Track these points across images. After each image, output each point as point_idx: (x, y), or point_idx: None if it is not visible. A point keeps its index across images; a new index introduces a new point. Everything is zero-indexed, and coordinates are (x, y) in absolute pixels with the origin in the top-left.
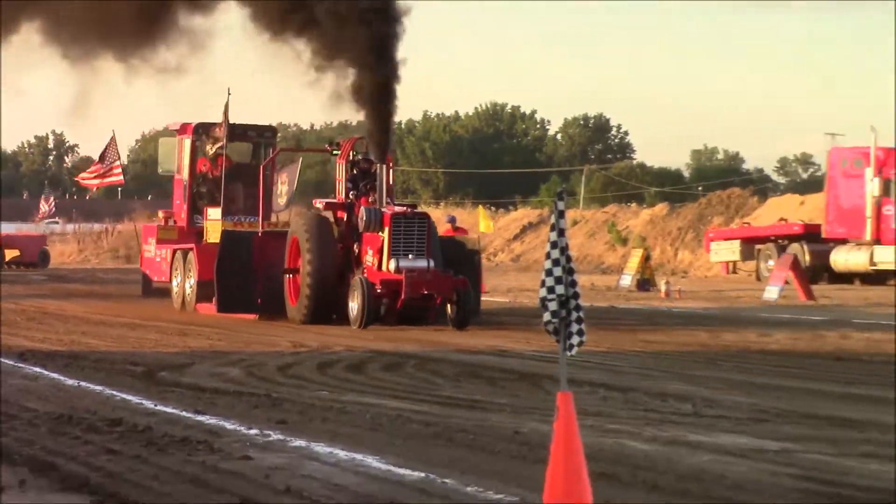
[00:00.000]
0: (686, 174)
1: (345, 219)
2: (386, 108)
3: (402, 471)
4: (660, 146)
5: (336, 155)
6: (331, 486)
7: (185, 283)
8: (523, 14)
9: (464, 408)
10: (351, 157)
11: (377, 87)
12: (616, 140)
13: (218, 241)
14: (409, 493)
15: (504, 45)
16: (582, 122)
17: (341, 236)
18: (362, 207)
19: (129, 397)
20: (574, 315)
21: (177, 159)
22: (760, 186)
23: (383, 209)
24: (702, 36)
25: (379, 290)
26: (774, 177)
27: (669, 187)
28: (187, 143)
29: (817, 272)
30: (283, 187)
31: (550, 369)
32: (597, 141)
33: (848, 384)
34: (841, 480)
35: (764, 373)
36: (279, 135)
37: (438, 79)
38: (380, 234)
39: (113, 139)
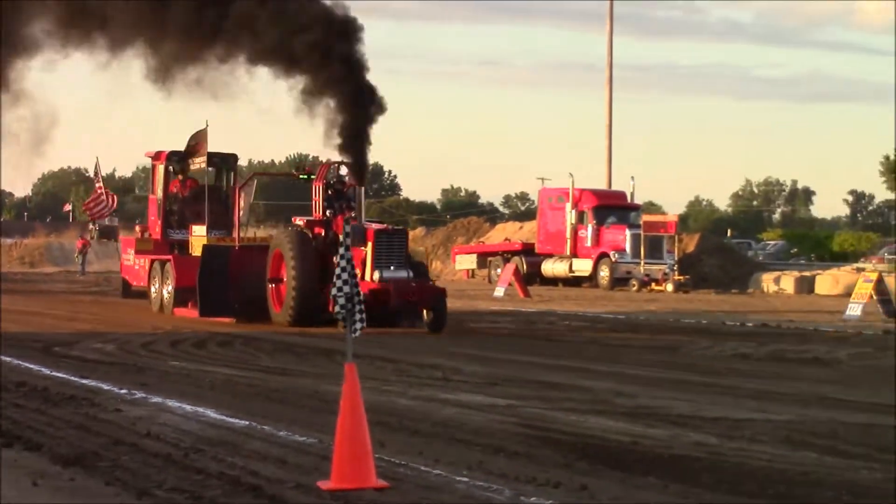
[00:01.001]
0: (438, 206)
1: (323, 234)
2: (365, 141)
3: (232, 420)
4: (419, 186)
5: (304, 179)
6: (180, 431)
7: (162, 289)
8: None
9: (278, 374)
10: (325, 181)
11: (359, 125)
12: (388, 181)
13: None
14: (237, 436)
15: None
16: None
17: (319, 249)
18: (346, 225)
19: (31, 365)
20: (357, 307)
21: (151, 182)
22: (491, 216)
23: (365, 226)
24: (450, 105)
25: (366, 298)
26: (501, 209)
27: (426, 215)
28: (161, 168)
29: (531, 277)
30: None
31: (341, 346)
32: (374, 182)
33: (556, 358)
34: (550, 427)
35: (495, 349)
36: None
37: (260, 135)
38: (362, 248)
39: (97, 166)
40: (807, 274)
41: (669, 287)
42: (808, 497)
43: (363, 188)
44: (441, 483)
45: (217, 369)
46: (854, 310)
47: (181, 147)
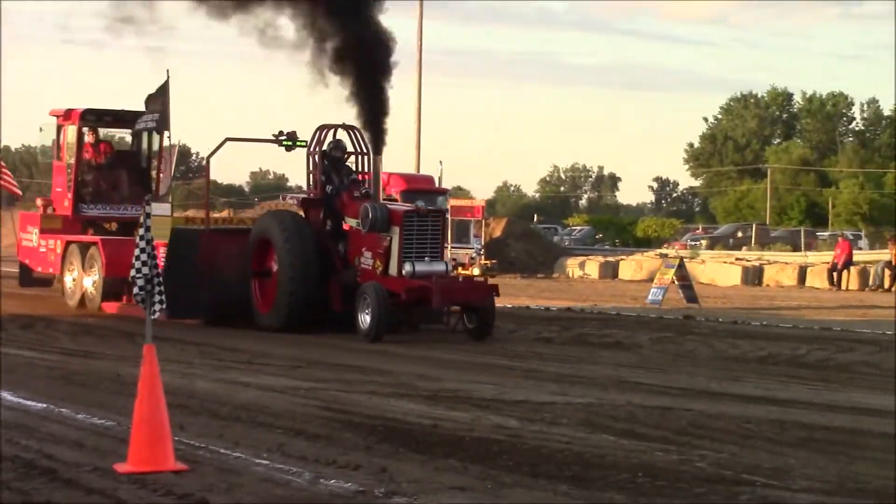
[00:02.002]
0: (246, 189)
1: (322, 216)
2: (384, 96)
3: (29, 402)
4: (226, 168)
5: (286, 145)
6: None
7: (82, 278)
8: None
9: (79, 356)
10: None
11: (377, 76)
12: (196, 163)
13: (162, 238)
14: (35, 419)
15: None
16: None
17: (318, 235)
18: (366, 205)
19: None
20: (157, 288)
21: (57, 146)
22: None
23: (389, 206)
24: (258, 87)
25: (403, 298)
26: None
27: (234, 198)
28: (72, 129)
29: None
30: (161, 174)
31: (143, 329)
32: (181, 164)
33: (360, 341)
34: (351, 410)
35: (300, 332)
36: None
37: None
38: (383, 234)
39: None
40: (611, 259)
41: (476, 271)
42: (604, 478)
43: (380, 157)
44: (240, 466)
45: (17, 352)
46: (656, 295)
47: (93, 104)
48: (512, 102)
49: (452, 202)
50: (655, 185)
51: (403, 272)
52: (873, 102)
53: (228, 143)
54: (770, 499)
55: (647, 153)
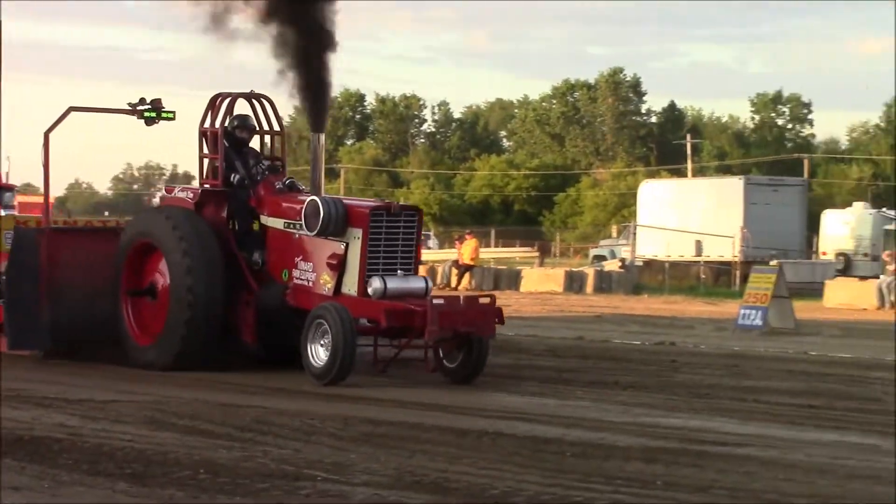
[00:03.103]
0: None
1: (225, 215)
2: (325, 60)
3: None
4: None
5: (149, 118)
6: None
7: None
8: None
9: None
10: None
11: (318, 36)
12: None
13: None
14: None
15: None
16: None
17: (219, 239)
18: (315, 199)
19: None
20: None
21: None
22: None
23: (346, 202)
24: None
25: (382, 326)
26: None
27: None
28: None
29: None
30: None
31: None
32: None
33: None
34: None
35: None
36: None
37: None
38: (335, 239)
39: None
40: None
41: None
42: (165, 475)
43: (321, 135)
44: None
45: None
46: None
47: None
48: (87, 99)
49: (21, 199)
50: None
51: (370, 291)
52: (444, 105)
53: (73, 113)
54: (330, 493)
55: None
